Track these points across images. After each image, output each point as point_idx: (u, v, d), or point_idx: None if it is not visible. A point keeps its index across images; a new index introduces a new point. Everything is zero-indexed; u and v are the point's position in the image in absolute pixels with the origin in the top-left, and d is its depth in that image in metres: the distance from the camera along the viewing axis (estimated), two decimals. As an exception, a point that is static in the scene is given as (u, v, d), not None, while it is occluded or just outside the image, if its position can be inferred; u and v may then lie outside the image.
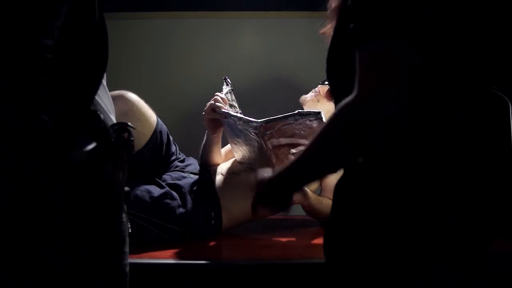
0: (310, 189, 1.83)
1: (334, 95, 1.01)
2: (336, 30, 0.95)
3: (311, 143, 0.91)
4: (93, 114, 0.88)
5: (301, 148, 1.63)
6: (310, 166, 0.93)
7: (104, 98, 0.95)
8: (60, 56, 0.82)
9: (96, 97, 0.92)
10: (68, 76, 0.86)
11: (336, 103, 0.95)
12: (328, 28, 1.05)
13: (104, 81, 0.96)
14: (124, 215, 0.94)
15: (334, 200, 0.99)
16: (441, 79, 0.88)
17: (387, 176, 0.90)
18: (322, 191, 1.97)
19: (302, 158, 0.93)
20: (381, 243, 0.90)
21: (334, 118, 0.86)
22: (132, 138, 0.93)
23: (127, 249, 0.95)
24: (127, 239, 0.95)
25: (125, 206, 0.95)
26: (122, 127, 0.91)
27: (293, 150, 1.65)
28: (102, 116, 0.88)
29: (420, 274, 0.89)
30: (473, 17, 0.90)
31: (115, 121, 0.96)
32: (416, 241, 0.88)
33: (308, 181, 0.99)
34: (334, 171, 0.99)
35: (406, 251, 0.89)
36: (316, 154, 0.91)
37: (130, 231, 0.96)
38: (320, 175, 1.18)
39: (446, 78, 0.88)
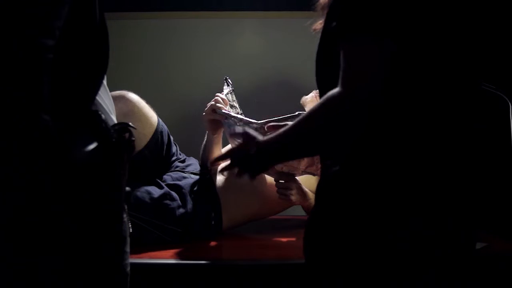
0: (310, 190, 1.83)
1: (319, 86, 1.03)
2: (324, 26, 0.98)
3: (294, 127, 0.94)
4: (94, 114, 0.88)
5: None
6: (293, 147, 0.97)
7: (105, 98, 0.96)
8: (61, 56, 0.82)
9: (97, 97, 0.92)
10: (69, 76, 0.86)
11: (321, 94, 0.98)
12: (319, 24, 1.07)
13: (104, 81, 0.96)
14: (124, 215, 0.94)
15: (315, 201, 1.00)
16: (429, 76, 0.89)
17: (369, 177, 0.91)
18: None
19: (286, 138, 0.96)
20: (359, 242, 0.90)
21: (318, 109, 0.90)
22: (133, 139, 0.93)
23: (127, 249, 0.95)
24: (128, 239, 0.95)
25: (125, 206, 0.95)
26: (123, 127, 0.91)
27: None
28: (103, 116, 0.89)
29: (400, 273, 0.89)
30: (462, 15, 0.91)
31: (116, 121, 0.96)
32: (398, 240, 0.89)
33: (289, 159, 1.06)
34: (314, 154, 1.08)
35: (387, 252, 0.89)
36: (299, 138, 0.94)
37: (131, 231, 0.96)
38: (301, 156, 1.30)
39: (434, 75, 0.89)
